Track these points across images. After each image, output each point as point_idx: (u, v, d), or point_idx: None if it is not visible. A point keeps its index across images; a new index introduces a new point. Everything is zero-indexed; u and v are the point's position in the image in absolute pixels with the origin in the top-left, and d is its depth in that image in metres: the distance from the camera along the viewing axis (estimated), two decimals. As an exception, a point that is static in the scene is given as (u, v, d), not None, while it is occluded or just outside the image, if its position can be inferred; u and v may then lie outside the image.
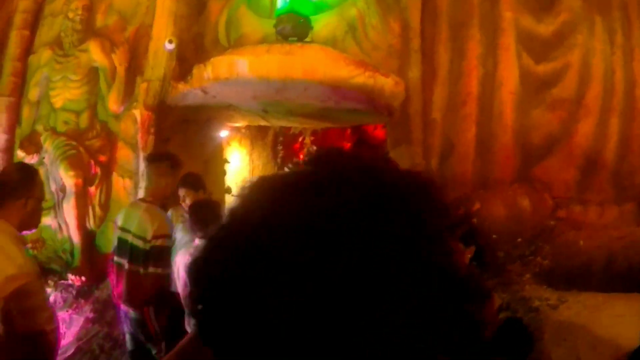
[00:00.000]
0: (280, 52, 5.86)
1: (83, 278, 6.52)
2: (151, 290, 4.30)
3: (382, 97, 5.95)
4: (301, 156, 11.76)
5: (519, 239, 5.32)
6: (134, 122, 6.60)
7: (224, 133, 8.65)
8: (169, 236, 4.46)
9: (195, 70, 6.13)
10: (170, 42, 6.16)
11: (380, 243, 0.68)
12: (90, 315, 6.13)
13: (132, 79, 6.75)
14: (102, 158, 6.93)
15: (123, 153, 6.87)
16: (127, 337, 4.64)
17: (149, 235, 4.32)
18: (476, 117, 5.89)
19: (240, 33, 6.42)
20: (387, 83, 5.89)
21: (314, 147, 11.87)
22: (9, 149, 7.26)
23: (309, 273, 0.65)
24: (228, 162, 8.61)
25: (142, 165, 6.34)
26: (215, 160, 7.71)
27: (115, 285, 4.57)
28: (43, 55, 7.27)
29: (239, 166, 10.29)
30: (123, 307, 4.57)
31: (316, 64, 5.79)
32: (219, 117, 7.39)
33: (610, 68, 5.79)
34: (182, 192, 4.81)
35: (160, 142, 6.41)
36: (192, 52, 6.45)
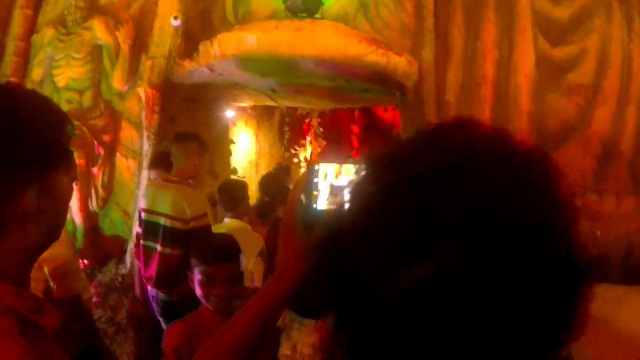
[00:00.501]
0: (290, 28, 5.67)
1: (86, 261, 6.35)
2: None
3: (395, 77, 5.77)
4: (308, 137, 12.04)
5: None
6: (138, 101, 6.42)
7: (230, 113, 8.53)
8: (207, 214, 4.35)
9: (201, 47, 5.94)
10: (175, 18, 5.97)
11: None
12: (93, 299, 5.98)
13: (137, 57, 6.55)
14: (106, 138, 6.72)
15: (127, 133, 6.69)
16: (161, 320, 4.43)
17: (187, 216, 4.19)
18: (491, 100, 5.77)
19: (248, 9, 6.22)
20: (400, 62, 5.71)
21: (322, 129, 12.08)
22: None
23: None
24: (234, 143, 8.47)
25: (146, 145, 6.22)
26: (222, 141, 7.58)
27: (144, 269, 4.42)
28: (46, 34, 7.06)
29: (245, 147, 10.19)
30: (151, 291, 4.43)
31: (327, 40, 5.58)
32: (225, 96, 7.24)
33: (628, 55, 5.69)
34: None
35: (165, 121, 6.25)
36: (198, 29, 6.24)
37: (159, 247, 4.25)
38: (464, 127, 0.78)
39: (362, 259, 0.65)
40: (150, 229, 4.35)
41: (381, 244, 0.64)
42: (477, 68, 5.83)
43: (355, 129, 13.00)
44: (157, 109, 6.12)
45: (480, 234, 0.61)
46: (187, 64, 6.03)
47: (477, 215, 0.62)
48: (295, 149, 11.71)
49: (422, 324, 0.62)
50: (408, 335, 0.63)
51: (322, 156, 11.69)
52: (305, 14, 5.85)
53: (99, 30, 6.79)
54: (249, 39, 5.66)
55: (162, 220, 4.26)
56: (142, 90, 6.16)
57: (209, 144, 6.60)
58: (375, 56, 5.60)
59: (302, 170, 11.49)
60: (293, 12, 5.89)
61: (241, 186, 4.86)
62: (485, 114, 5.74)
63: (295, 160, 11.77)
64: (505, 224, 0.62)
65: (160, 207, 4.30)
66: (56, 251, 2.55)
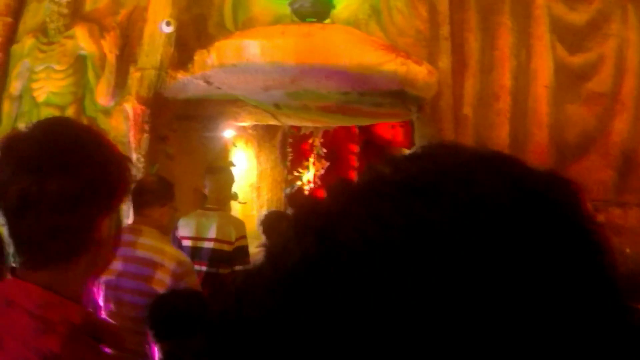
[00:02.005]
0: (298, 34, 5.09)
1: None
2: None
3: (415, 88, 5.26)
4: (310, 159, 11.38)
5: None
6: (125, 118, 5.80)
7: (229, 133, 7.90)
8: (246, 236, 4.83)
9: (197, 57, 5.29)
10: (168, 24, 5.30)
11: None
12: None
13: (124, 68, 5.93)
14: None
15: None
16: None
17: (233, 238, 4.63)
18: (510, 113, 5.60)
19: (249, 14, 5.63)
20: (420, 72, 5.19)
21: (324, 150, 11.47)
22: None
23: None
24: (234, 165, 7.84)
25: (134, 169, 5.54)
26: (220, 163, 6.87)
27: None
28: (26, 44, 6.47)
29: (245, 169, 9.52)
30: None
31: (340, 47, 4.99)
32: (223, 114, 6.61)
33: (644, 59, 5.62)
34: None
35: (155, 140, 5.62)
36: (193, 37, 5.60)
37: (204, 269, 4.54)
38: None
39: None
40: (193, 254, 4.53)
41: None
42: (494, 78, 5.63)
43: (354, 147, 12.59)
44: (145, 126, 5.50)
45: None
46: (181, 76, 5.39)
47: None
48: (298, 171, 11.04)
49: None
50: None
51: (323, 179, 11.28)
52: (314, 18, 5.31)
53: (82, 39, 6.20)
54: (250, 47, 5.06)
55: (206, 244, 4.62)
56: (129, 106, 5.53)
57: (205, 166, 6.12)
58: (393, 65, 5.07)
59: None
60: (300, 16, 5.34)
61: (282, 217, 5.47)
62: (504, 128, 5.57)
63: (299, 183, 10.99)
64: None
65: (205, 232, 4.65)
66: None
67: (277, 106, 6.17)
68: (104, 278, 2.75)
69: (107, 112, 6.13)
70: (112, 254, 1.31)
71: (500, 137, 5.52)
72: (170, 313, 2.66)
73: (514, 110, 5.58)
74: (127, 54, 5.96)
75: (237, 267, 4.58)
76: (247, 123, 7.83)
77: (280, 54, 4.98)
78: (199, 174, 5.71)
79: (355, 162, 12.69)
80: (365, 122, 7.78)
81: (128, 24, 6.07)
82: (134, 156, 5.61)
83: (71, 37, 6.25)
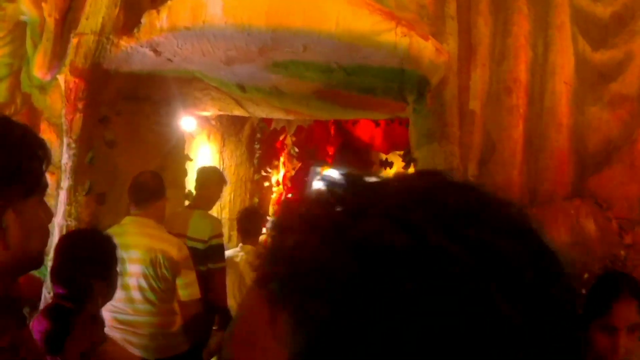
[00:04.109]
0: (272, -10, 4.12)
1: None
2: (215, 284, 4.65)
3: (419, 68, 4.35)
4: (281, 157, 10.86)
5: (586, 275, 4.30)
6: (62, 96, 4.87)
7: (188, 122, 7.00)
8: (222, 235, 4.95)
9: (145, 19, 4.31)
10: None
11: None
12: None
13: (67, 36, 5.00)
14: None
15: (46, 137, 5.04)
16: None
17: (206, 236, 4.66)
18: (524, 111, 5.04)
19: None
20: (426, 48, 4.29)
21: (296, 149, 11.04)
22: None
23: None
24: (191, 160, 6.97)
25: (66, 156, 4.65)
26: (174, 156, 6.00)
27: None
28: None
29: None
30: None
31: (325, 7, 4.02)
32: (180, 98, 5.65)
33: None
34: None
35: (92, 122, 4.65)
36: (148, -2, 4.61)
37: None
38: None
39: None
40: None
41: None
42: (507, 69, 5.04)
43: (330, 149, 12.34)
44: (80, 105, 4.52)
45: None
46: (124, 43, 4.42)
47: None
48: (267, 171, 10.32)
49: None
50: None
51: (294, 180, 10.87)
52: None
53: (25, 3, 5.31)
54: (210, 5, 4.07)
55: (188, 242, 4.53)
56: (61, 78, 4.54)
57: (157, 158, 5.44)
58: (393, 35, 4.12)
59: (274, 195, 10.48)
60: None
61: (259, 217, 5.85)
62: (518, 128, 5.00)
63: (267, 183, 10.39)
64: None
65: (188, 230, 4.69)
66: None
67: (242, 88, 5.20)
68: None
69: (43, 88, 5.32)
70: (29, 257, 1.41)
71: (512, 139, 4.97)
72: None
73: (530, 108, 5.04)
74: (71, 20, 5.05)
75: (211, 265, 4.62)
76: (208, 112, 6.93)
77: (246, 15, 4.00)
78: (146, 168, 4.96)
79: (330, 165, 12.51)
80: (349, 114, 6.81)
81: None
82: (65, 140, 4.69)
83: (14, 0, 5.41)
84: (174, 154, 5.95)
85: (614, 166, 5.06)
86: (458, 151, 4.74)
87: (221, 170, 8.64)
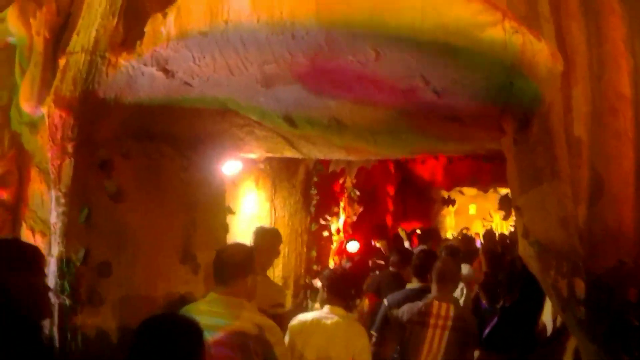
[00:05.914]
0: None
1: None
2: None
3: (534, 80, 3.13)
4: (341, 203, 10.06)
5: None
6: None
7: (231, 167, 5.87)
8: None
9: (148, 26, 3.10)
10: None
11: None
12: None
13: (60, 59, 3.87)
14: (5, 195, 4.28)
15: (36, 188, 4.20)
16: None
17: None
18: (633, 135, 4.01)
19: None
20: (541, 51, 3.06)
21: (357, 192, 10.36)
22: None
23: None
24: (233, 213, 5.82)
25: (54, 213, 3.52)
26: (211, 209, 4.86)
27: None
28: (-53, 33, 4.74)
29: (255, 215, 7.60)
30: None
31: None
32: (215, 135, 4.47)
33: None
34: None
35: (88, 169, 3.48)
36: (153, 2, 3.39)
37: None
38: None
39: None
40: None
41: None
42: (609, 83, 4.07)
43: (391, 188, 11.94)
44: (70, 146, 3.35)
45: None
46: (123, 61, 3.21)
47: None
48: (325, 219, 9.30)
49: None
50: None
51: (355, 227, 10.18)
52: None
53: (12, 20, 4.39)
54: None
55: None
56: (45, 110, 3.39)
57: (187, 213, 4.54)
58: (501, 31, 2.86)
59: (334, 245, 9.67)
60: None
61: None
62: (627, 160, 3.95)
63: (326, 233, 9.37)
64: None
65: None
66: None
67: (290, 121, 3.93)
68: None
69: (34, 125, 4.29)
70: None
71: (623, 171, 3.95)
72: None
73: (637, 130, 4.01)
74: (66, 40, 3.92)
75: None
76: (254, 155, 5.72)
77: (287, 6, 2.71)
78: (170, 225, 4.26)
79: (391, 205, 12.20)
80: (420, 150, 5.44)
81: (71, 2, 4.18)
82: (53, 194, 3.51)
83: (2, 19, 4.48)
84: (209, 207, 4.83)
85: None
86: (570, 191, 3.75)
87: (272, 222, 7.83)
